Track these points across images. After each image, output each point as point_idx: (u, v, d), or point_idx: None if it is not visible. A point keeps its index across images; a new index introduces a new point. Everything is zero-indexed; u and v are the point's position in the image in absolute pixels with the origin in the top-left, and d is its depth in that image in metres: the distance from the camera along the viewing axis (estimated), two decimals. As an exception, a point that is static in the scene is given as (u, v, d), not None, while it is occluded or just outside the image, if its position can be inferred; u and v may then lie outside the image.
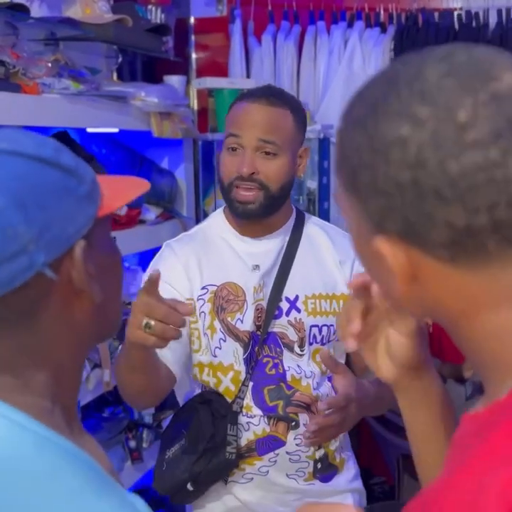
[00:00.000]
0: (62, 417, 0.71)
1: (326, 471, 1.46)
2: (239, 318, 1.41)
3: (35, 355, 0.69)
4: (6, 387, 0.68)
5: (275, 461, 1.41)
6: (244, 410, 1.41)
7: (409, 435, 0.81)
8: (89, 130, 2.21)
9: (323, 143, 2.76)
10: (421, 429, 0.79)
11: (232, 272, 1.43)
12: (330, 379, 1.45)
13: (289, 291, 1.44)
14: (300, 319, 1.44)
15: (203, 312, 1.42)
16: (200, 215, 2.59)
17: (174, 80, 2.50)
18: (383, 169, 0.53)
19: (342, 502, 1.48)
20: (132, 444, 2.31)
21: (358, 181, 0.56)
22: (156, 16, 2.42)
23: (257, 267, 1.44)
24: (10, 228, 0.62)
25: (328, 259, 1.49)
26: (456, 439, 0.60)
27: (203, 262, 1.44)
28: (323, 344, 1.45)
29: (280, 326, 1.43)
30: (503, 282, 0.54)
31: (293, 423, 1.41)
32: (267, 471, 1.42)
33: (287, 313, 1.44)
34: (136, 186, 0.78)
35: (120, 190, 0.75)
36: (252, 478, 1.43)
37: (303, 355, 1.44)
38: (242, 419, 1.40)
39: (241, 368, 1.41)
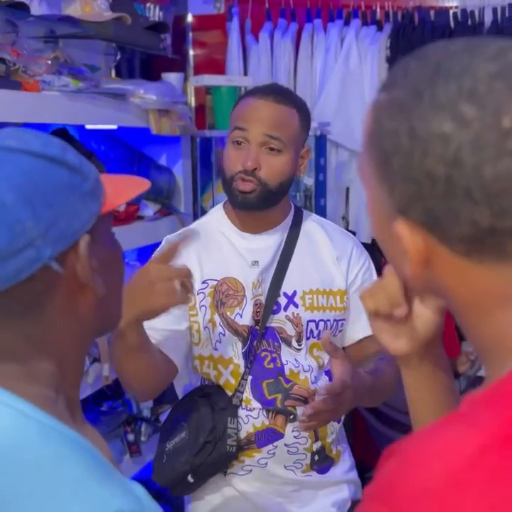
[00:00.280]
0: (65, 407, 0.73)
1: (322, 462, 1.48)
2: (238, 313, 1.44)
3: (41, 345, 0.71)
4: (11, 375, 0.70)
5: (274, 453, 1.43)
6: (243, 403, 1.43)
7: (412, 413, 0.83)
8: (88, 127, 2.23)
9: (320, 140, 2.78)
10: (423, 408, 0.81)
11: (232, 268, 1.45)
12: (327, 373, 1.47)
13: (287, 286, 1.47)
14: (298, 314, 1.46)
15: (203, 306, 1.44)
16: (197, 212, 2.61)
17: (172, 78, 2.51)
18: (419, 159, 0.54)
19: (338, 493, 1.51)
20: (131, 437, 2.33)
21: (389, 164, 0.57)
22: (154, 13, 2.44)
23: (256, 262, 1.46)
24: (18, 224, 0.64)
25: (325, 256, 1.51)
26: None
27: (203, 256, 1.46)
28: (319, 339, 1.47)
29: (278, 320, 1.46)
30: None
31: (291, 416, 1.43)
32: (266, 463, 1.44)
33: (285, 309, 1.46)
34: (137, 185, 0.80)
35: (121, 189, 0.77)
36: (251, 470, 1.45)
37: (300, 349, 1.46)
38: (242, 412, 1.43)
39: (240, 361, 1.43)
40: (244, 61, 3.01)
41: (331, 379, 1.39)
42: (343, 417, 1.55)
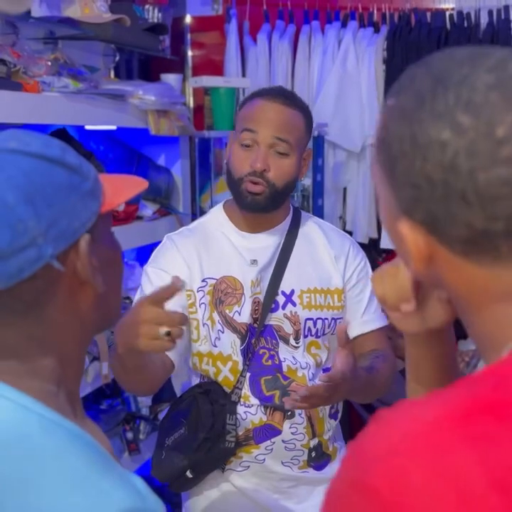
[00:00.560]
0: (66, 401, 0.75)
1: (319, 459, 1.50)
2: (237, 311, 1.45)
3: (42, 342, 0.73)
4: (14, 372, 0.72)
5: (271, 449, 1.45)
6: (242, 400, 1.45)
7: (410, 386, 0.85)
8: (88, 127, 2.24)
9: (318, 141, 2.80)
10: (424, 379, 0.84)
11: (231, 266, 1.48)
12: (325, 370, 1.49)
13: (285, 285, 1.49)
14: (295, 312, 1.48)
15: (202, 303, 1.46)
16: (196, 212, 2.63)
17: (171, 79, 2.53)
18: (420, 164, 0.57)
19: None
20: (129, 435, 2.35)
21: (394, 168, 0.60)
22: (153, 15, 2.46)
23: (255, 261, 1.48)
24: (20, 223, 0.66)
25: (323, 255, 1.54)
26: None
27: (203, 255, 1.48)
28: (317, 337, 1.49)
29: (276, 319, 1.47)
30: (509, 278, 0.59)
31: (289, 412, 1.44)
32: (264, 459, 1.46)
33: (283, 307, 1.48)
34: (135, 185, 0.82)
35: (120, 188, 0.79)
36: (248, 466, 1.47)
37: (298, 347, 1.48)
38: (240, 408, 1.44)
39: (238, 358, 1.45)
40: (243, 62, 3.03)
41: (334, 359, 1.39)
42: (339, 415, 1.57)
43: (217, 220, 1.54)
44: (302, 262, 1.51)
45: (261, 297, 1.47)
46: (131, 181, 0.84)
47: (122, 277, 0.83)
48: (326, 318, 1.50)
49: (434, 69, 0.59)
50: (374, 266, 1.59)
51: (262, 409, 1.45)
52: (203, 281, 1.46)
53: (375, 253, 3.13)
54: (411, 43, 2.96)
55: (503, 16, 2.94)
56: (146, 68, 2.81)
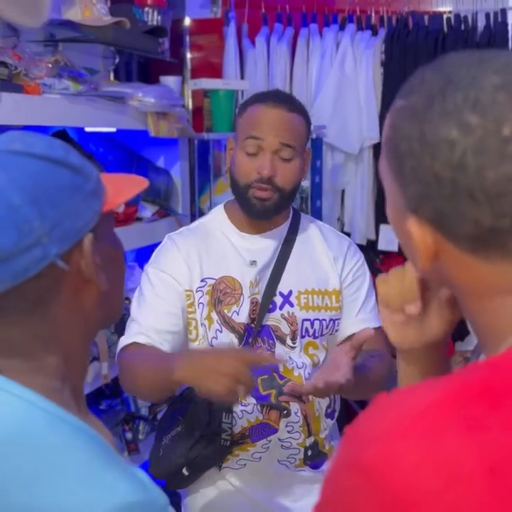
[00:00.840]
0: (70, 397, 0.77)
1: (316, 458, 1.52)
2: (235, 311, 1.47)
3: (47, 339, 0.75)
4: (19, 369, 0.73)
5: (268, 448, 1.47)
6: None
7: None
8: (87, 129, 2.26)
9: (316, 143, 2.82)
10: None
11: (231, 267, 1.49)
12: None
13: (283, 286, 1.50)
14: (293, 313, 1.49)
15: (201, 303, 1.47)
16: (195, 213, 2.64)
17: (170, 81, 2.54)
18: (428, 162, 0.59)
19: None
20: (129, 435, 2.36)
21: (402, 166, 0.62)
22: (152, 17, 2.47)
23: (254, 262, 1.50)
24: (25, 223, 0.68)
25: (322, 257, 1.55)
26: None
27: (203, 255, 1.50)
28: (315, 337, 1.51)
29: (274, 319, 1.49)
30: None
31: (285, 411, 1.46)
32: (260, 457, 1.47)
33: (281, 307, 1.49)
34: (136, 184, 0.84)
35: (121, 188, 0.81)
36: (245, 464, 1.48)
37: (295, 347, 1.49)
38: (237, 407, 1.46)
39: (236, 357, 1.47)
40: (241, 65, 3.04)
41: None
42: (336, 414, 1.58)
43: (217, 220, 1.56)
44: (301, 263, 1.53)
45: (259, 297, 1.48)
46: (131, 181, 0.86)
47: (124, 275, 0.85)
48: (324, 319, 1.51)
49: (443, 71, 0.61)
50: (372, 267, 1.62)
51: (259, 408, 1.46)
52: (202, 281, 1.48)
53: (373, 254, 3.15)
54: (408, 46, 2.99)
55: (499, 19, 2.96)
56: (145, 70, 2.82)
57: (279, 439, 1.47)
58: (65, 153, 0.73)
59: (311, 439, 1.50)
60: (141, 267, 2.08)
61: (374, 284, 1.62)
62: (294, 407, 1.47)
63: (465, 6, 3.07)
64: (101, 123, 2.12)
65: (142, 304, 1.47)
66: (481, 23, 2.99)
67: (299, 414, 1.47)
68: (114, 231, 0.82)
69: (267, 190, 1.44)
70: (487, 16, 2.97)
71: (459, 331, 3.01)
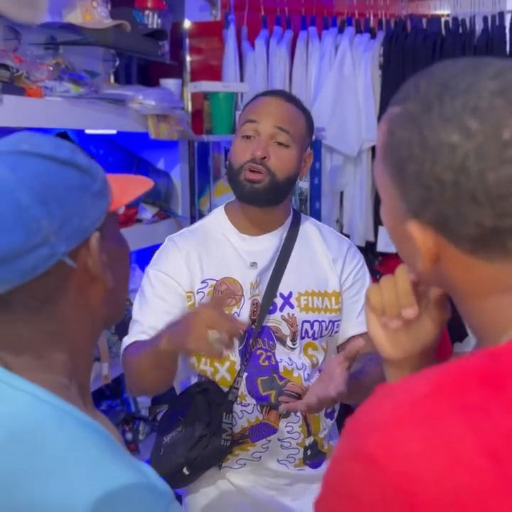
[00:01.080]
0: (77, 393, 0.78)
1: (315, 457, 1.53)
2: (235, 312, 1.48)
3: (55, 336, 0.76)
4: (28, 366, 0.75)
5: (267, 447, 1.48)
6: (238, 399, 1.47)
7: None
8: (88, 131, 2.27)
9: (315, 145, 2.83)
10: None
11: (231, 268, 1.50)
12: (320, 371, 1.52)
13: (283, 287, 1.51)
14: (293, 314, 1.50)
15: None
16: (195, 215, 2.65)
17: (170, 83, 2.56)
18: (429, 166, 0.61)
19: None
20: (129, 436, 2.37)
21: (404, 171, 0.63)
22: (152, 20, 2.49)
23: (254, 264, 1.51)
24: (34, 222, 0.69)
25: (321, 258, 1.56)
26: None
27: (204, 256, 1.50)
28: (315, 339, 1.52)
29: (274, 320, 1.50)
30: None
31: (284, 411, 1.47)
32: (260, 457, 1.49)
33: (281, 309, 1.50)
34: (141, 184, 0.86)
35: (127, 188, 0.82)
36: (245, 464, 1.49)
37: (295, 348, 1.50)
38: (237, 407, 1.47)
39: (236, 358, 1.48)
40: (241, 67, 3.06)
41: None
42: (336, 414, 1.59)
43: (218, 221, 1.56)
44: (301, 264, 1.54)
45: (259, 299, 1.49)
46: (137, 181, 0.87)
47: (129, 273, 0.86)
48: (324, 321, 1.52)
49: (438, 78, 0.63)
50: (371, 269, 1.62)
51: (259, 408, 1.47)
52: (203, 282, 1.49)
53: (372, 256, 3.17)
54: (407, 49, 3.01)
55: (497, 23, 2.98)
56: (145, 73, 2.84)
57: (279, 439, 1.48)
58: (71, 154, 0.75)
59: (311, 439, 1.51)
60: (142, 268, 2.09)
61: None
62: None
63: (463, 9, 3.09)
64: (102, 125, 2.14)
65: (144, 305, 1.48)
66: (478, 26, 3.01)
67: (298, 414, 1.48)
68: (119, 230, 0.83)
69: (258, 172, 1.43)
70: (485, 19, 2.98)
71: (458, 332, 3.02)
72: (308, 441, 1.51)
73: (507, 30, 2.97)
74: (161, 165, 2.60)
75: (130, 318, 1.50)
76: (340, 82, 3.02)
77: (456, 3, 3.11)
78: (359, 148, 3.07)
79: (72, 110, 1.91)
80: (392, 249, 3.06)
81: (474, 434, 0.54)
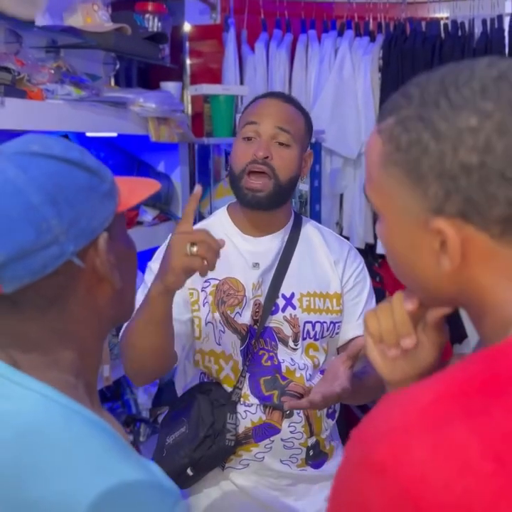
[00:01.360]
0: (84, 391, 0.79)
1: (317, 457, 1.53)
2: (238, 312, 1.49)
3: (63, 335, 0.77)
4: (36, 364, 0.75)
5: (270, 448, 1.48)
6: (242, 399, 1.48)
7: None
8: (89, 134, 2.28)
9: (315, 147, 2.84)
10: None
11: (234, 268, 1.50)
12: (322, 372, 1.52)
13: (285, 288, 1.51)
14: (295, 315, 1.51)
15: (206, 302, 1.49)
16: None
17: (171, 86, 2.57)
18: (451, 156, 0.61)
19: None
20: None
21: (417, 169, 0.63)
22: (153, 24, 2.50)
23: (257, 264, 1.51)
24: (44, 222, 0.70)
25: (323, 260, 1.57)
26: None
27: None
28: (316, 340, 1.52)
29: (276, 321, 1.50)
30: None
31: (287, 411, 1.48)
32: (263, 457, 1.49)
33: (283, 310, 1.51)
34: (148, 186, 0.87)
35: (134, 189, 0.83)
36: (248, 464, 1.50)
37: (296, 349, 1.51)
38: (240, 407, 1.47)
39: (238, 358, 1.48)
40: (240, 71, 3.07)
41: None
42: (337, 415, 1.60)
43: (220, 222, 1.57)
44: (302, 265, 1.54)
45: (262, 300, 1.50)
46: (144, 183, 0.88)
47: (137, 273, 0.87)
48: (325, 322, 1.53)
49: (437, 78, 0.63)
50: (370, 271, 1.63)
51: (262, 408, 1.48)
52: (206, 281, 1.49)
53: (372, 258, 3.17)
54: (406, 52, 3.02)
55: (496, 26, 2.99)
56: (146, 76, 2.85)
57: (282, 439, 1.48)
58: (81, 155, 0.76)
59: (313, 439, 1.52)
60: (142, 270, 2.09)
61: (374, 286, 1.64)
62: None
63: (462, 12, 3.10)
64: (102, 128, 2.14)
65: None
66: (477, 29, 3.02)
67: (301, 414, 1.49)
68: (126, 231, 0.84)
69: (262, 178, 1.44)
70: (484, 22, 3.00)
71: (458, 334, 3.03)
72: (311, 441, 1.52)
73: (506, 33, 2.98)
74: (161, 167, 2.61)
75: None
76: (339, 85, 3.04)
77: (455, 6, 3.13)
78: (359, 151, 3.08)
79: (73, 113, 1.92)
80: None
81: (478, 438, 0.54)
